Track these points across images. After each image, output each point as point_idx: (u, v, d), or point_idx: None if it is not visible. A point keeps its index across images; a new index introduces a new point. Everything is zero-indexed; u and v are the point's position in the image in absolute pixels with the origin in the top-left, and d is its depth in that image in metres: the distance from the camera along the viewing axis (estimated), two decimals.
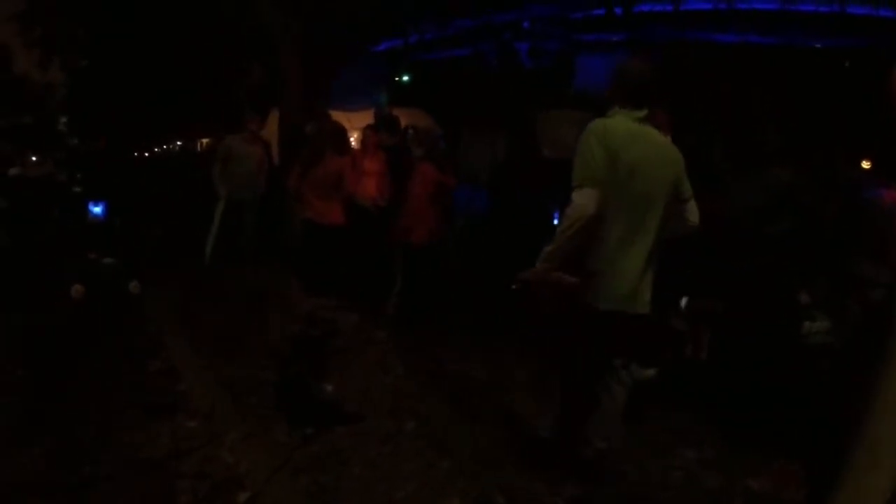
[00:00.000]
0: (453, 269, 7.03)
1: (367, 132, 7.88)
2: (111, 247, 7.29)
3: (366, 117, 16.09)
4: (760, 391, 4.43)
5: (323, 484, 3.69)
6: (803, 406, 4.54)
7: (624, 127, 3.36)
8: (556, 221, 6.70)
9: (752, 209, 4.66)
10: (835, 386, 4.53)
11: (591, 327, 3.42)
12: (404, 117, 16.65)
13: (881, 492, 3.30)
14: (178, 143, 31.75)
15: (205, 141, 26.12)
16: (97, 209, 7.49)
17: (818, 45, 11.23)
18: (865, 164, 11.76)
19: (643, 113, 3.43)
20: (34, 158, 13.54)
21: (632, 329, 3.49)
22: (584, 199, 3.25)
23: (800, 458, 4.02)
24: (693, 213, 3.58)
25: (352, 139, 15.80)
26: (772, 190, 4.64)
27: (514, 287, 3.54)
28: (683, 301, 5.20)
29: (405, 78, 15.09)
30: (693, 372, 5.13)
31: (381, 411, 4.60)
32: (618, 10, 10.96)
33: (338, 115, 16.29)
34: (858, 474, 3.30)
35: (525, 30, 12.50)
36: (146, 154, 27.34)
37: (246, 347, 5.57)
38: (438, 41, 13.68)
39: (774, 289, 4.57)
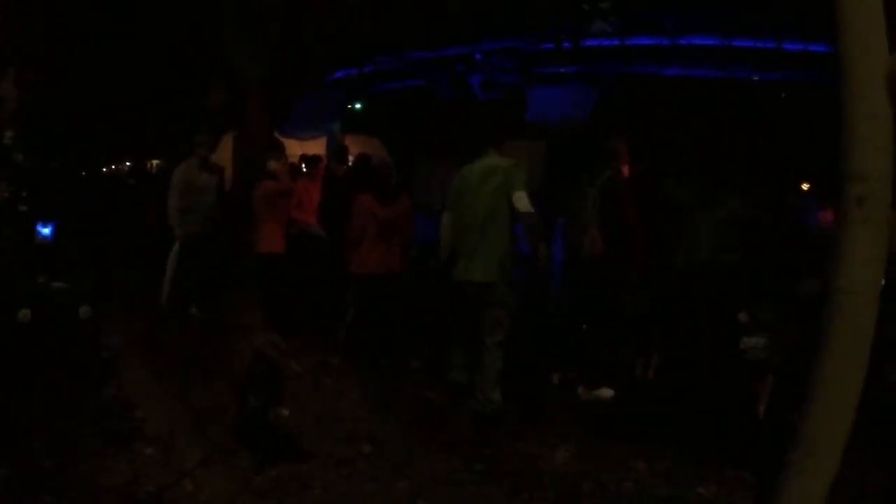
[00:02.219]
0: (407, 296, 7.05)
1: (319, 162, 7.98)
2: (61, 270, 7.03)
3: (319, 146, 16.21)
4: (705, 405, 4.61)
5: None
6: (747, 416, 4.78)
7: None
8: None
9: (708, 240, 4.89)
10: (775, 396, 4.79)
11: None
12: (357, 145, 16.77)
13: (819, 494, 3.49)
14: (128, 163, 30.64)
15: (154, 162, 25.36)
16: (46, 230, 7.27)
17: (756, 78, 11.76)
18: (805, 186, 12.32)
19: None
20: None
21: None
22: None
23: (746, 466, 4.22)
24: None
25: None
26: (727, 223, 4.89)
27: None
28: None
29: (358, 106, 15.21)
30: (645, 391, 5.35)
31: (338, 436, 4.64)
32: (566, 45, 11.32)
33: (291, 144, 16.40)
34: (798, 478, 3.48)
35: (478, 62, 12.77)
36: (96, 173, 26.50)
37: (203, 374, 5.53)
38: (393, 71, 13.86)
39: (717, 310, 4.79)
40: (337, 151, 9.20)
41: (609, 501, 4.00)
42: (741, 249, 4.82)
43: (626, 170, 5.78)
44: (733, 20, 10.21)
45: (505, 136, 5.23)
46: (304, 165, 8.28)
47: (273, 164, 6.97)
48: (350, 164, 15.21)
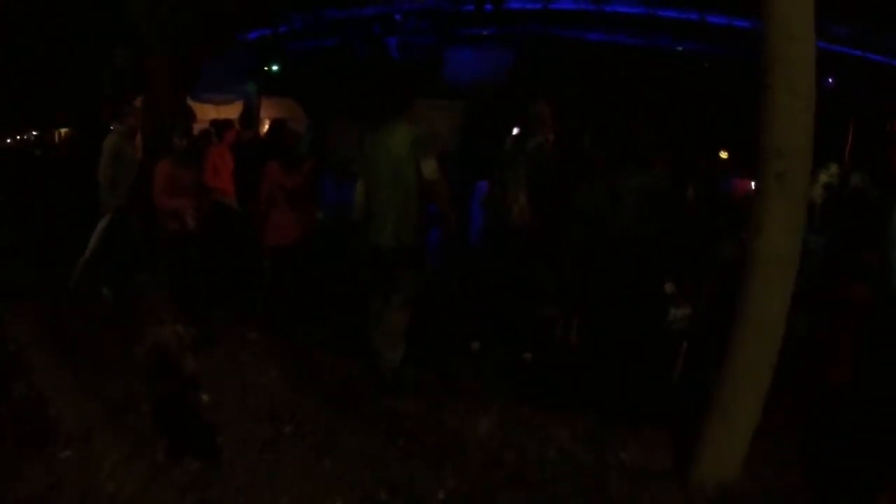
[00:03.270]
0: (321, 264, 6.89)
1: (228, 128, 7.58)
2: None
3: (235, 110, 15.69)
4: (628, 372, 4.69)
5: (209, 499, 3.62)
6: (668, 383, 4.89)
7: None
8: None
9: (629, 210, 4.91)
10: (689, 358, 4.91)
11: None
12: (273, 108, 16.42)
13: (737, 454, 3.61)
14: (34, 133, 28.97)
15: (63, 131, 23.93)
16: None
17: (680, 49, 11.96)
18: (724, 154, 12.65)
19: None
20: None
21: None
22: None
23: (666, 429, 4.32)
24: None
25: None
26: (647, 193, 4.90)
27: None
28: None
29: (274, 68, 14.75)
30: (565, 356, 5.40)
31: (259, 417, 4.52)
32: (487, 7, 11.20)
33: (206, 108, 15.82)
34: (716, 438, 3.58)
35: (396, 22, 12.52)
36: None
37: (117, 364, 5.16)
38: (309, 31, 13.46)
39: (643, 279, 4.85)
40: (245, 117, 8.88)
41: (533, 470, 4.04)
42: (662, 220, 4.84)
43: (551, 135, 5.77)
44: None
45: (412, 101, 5.14)
46: (214, 131, 7.82)
47: (177, 141, 6.61)
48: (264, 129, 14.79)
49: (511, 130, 10.84)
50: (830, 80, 10.94)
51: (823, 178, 12.22)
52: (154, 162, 6.72)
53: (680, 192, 5.48)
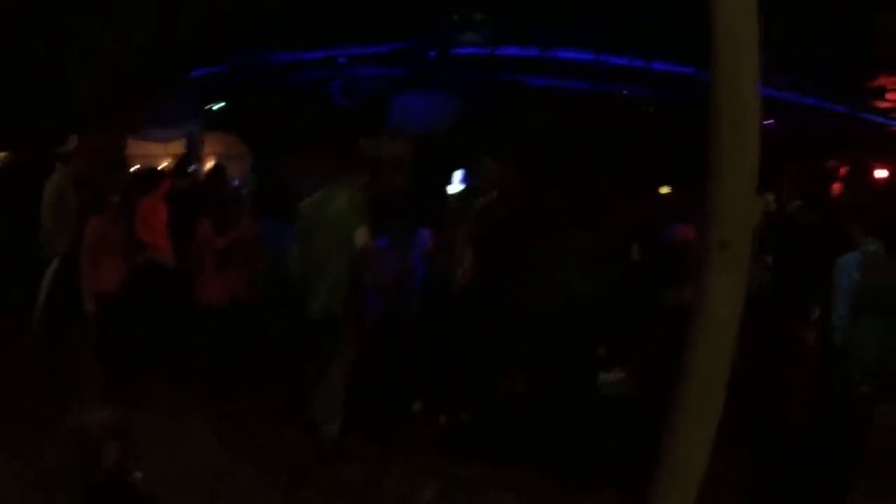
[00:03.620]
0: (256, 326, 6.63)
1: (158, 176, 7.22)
2: None
3: (182, 145, 15.44)
4: (569, 435, 4.60)
5: None
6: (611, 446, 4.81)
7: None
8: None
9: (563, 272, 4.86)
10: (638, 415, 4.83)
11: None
12: (217, 143, 16.21)
13: None
14: None
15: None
16: None
17: (625, 93, 12.18)
18: (664, 190, 12.84)
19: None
20: None
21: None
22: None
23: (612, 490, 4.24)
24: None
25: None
26: (581, 255, 4.87)
27: None
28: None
29: (218, 106, 14.60)
30: (508, 410, 5.32)
31: (198, 495, 4.33)
32: (431, 54, 11.25)
33: (153, 146, 15.52)
34: (665, 497, 3.41)
35: (340, 66, 12.51)
36: None
37: (52, 433, 4.86)
38: (254, 70, 13.37)
39: (575, 343, 4.79)
40: (180, 164, 8.64)
41: None
42: (595, 282, 4.79)
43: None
44: (605, 37, 10.55)
45: (353, 160, 5.25)
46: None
47: (110, 199, 6.36)
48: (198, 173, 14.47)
49: (453, 176, 10.91)
50: (772, 121, 11.25)
51: (760, 206, 12.50)
52: (86, 213, 6.42)
53: (624, 250, 5.47)
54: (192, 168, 10.53)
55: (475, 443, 5.16)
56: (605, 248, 4.92)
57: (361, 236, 4.79)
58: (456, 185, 10.74)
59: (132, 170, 11.96)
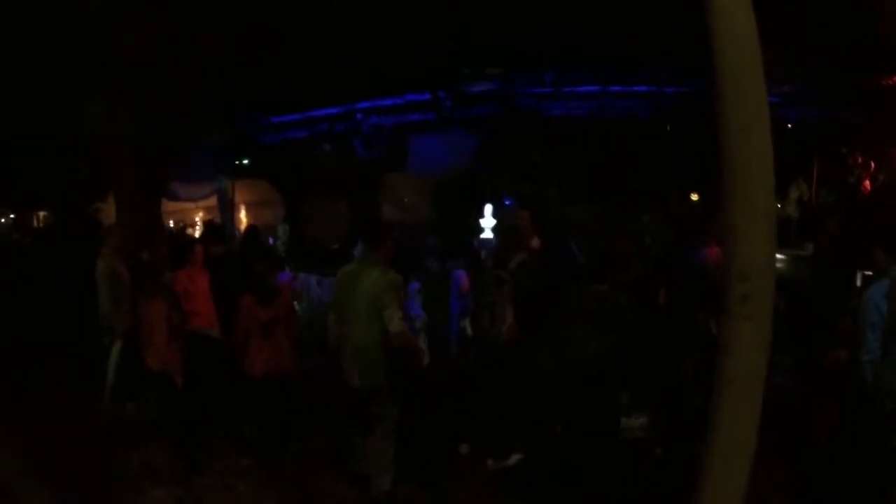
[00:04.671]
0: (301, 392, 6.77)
1: (193, 246, 7.26)
2: None
3: (212, 203, 15.81)
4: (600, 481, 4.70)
5: None
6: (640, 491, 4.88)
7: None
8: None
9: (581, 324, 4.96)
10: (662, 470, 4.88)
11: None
12: (249, 192, 16.57)
13: None
14: (12, 215, 26.49)
15: (42, 214, 22.86)
16: None
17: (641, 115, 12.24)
18: (694, 197, 12.84)
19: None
20: None
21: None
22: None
23: None
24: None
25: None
26: (599, 307, 4.96)
27: None
28: None
29: (245, 161, 14.99)
30: (552, 454, 5.44)
31: None
32: (441, 94, 11.45)
33: (187, 207, 15.93)
34: None
35: (358, 121, 12.79)
36: None
37: (112, 496, 5.15)
38: (276, 127, 13.72)
39: (597, 390, 4.88)
40: (211, 231, 8.85)
41: None
42: (613, 333, 4.87)
43: (535, 243, 5.84)
44: (613, 72, 10.70)
45: (388, 238, 5.14)
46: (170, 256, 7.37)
47: (146, 255, 6.59)
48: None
49: (482, 210, 11.04)
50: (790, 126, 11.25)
51: (794, 193, 12.48)
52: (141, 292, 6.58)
53: (645, 298, 5.55)
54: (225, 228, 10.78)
55: (520, 487, 5.29)
56: (621, 301, 4.98)
57: (393, 320, 4.77)
58: (489, 219, 10.95)
59: (167, 232, 12.32)
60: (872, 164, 11.57)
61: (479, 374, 6.15)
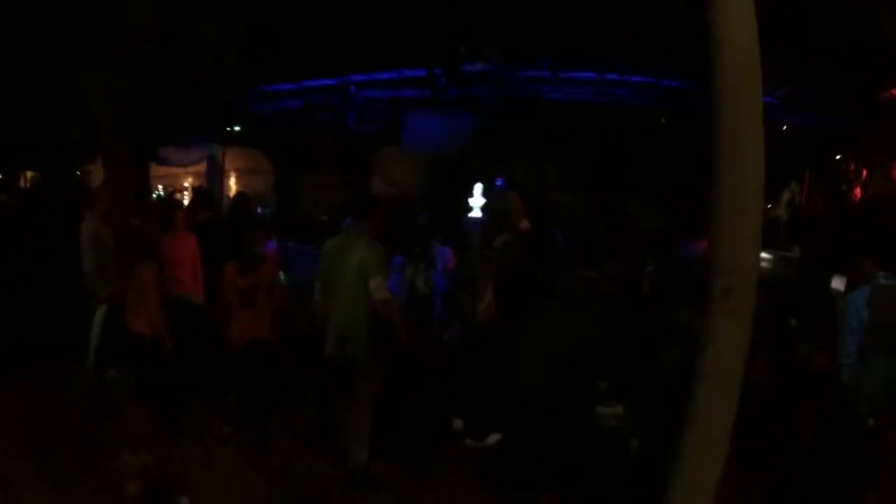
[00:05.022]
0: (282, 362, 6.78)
1: (175, 211, 7.15)
2: None
3: (202, 168, 15.67)
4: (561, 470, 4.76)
5: None
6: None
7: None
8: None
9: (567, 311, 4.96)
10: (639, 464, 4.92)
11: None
12: (240, 159, 16.44)
13: None
14: None
15: (29, 174, 22.63)
16: None
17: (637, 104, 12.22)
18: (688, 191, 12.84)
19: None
20: None
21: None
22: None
23: None
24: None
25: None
26: (586, 296, 4.96)
27: None
28: None
29: (237, 128, 14.88)
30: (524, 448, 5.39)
31: None
32: (437, 70, 11.38)
33: (177, 172, 15.78)
34: None
35: (351, 94, 12.71)
36: None
37: (98, 466, 5.05)
38: (268, 97, 13.61)
39: (575, 374, 4.90)
40: (201, 197, 8.79)
41: None
42: (596, 320, 4.88)
43: (524, 224, 5.85)
44: (612, 60, 10.67)
45: (375, 211, 5.22)
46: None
47: (136, 221, 6.52)
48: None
49: (472, 190, 11.02)
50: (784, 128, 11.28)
51: (787, 195, 12.55)
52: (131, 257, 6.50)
53: (629, 289, 5.57)
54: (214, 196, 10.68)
55: (499, 469, 5.30)
56: (608, 290, 5.00)
57: (377, 287, 4.86)
58: (478, 198, 10.93)
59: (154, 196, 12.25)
60: (864, 173, 11.62)
61: (460, 352, 6.16)
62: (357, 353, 5.00)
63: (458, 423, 5.99)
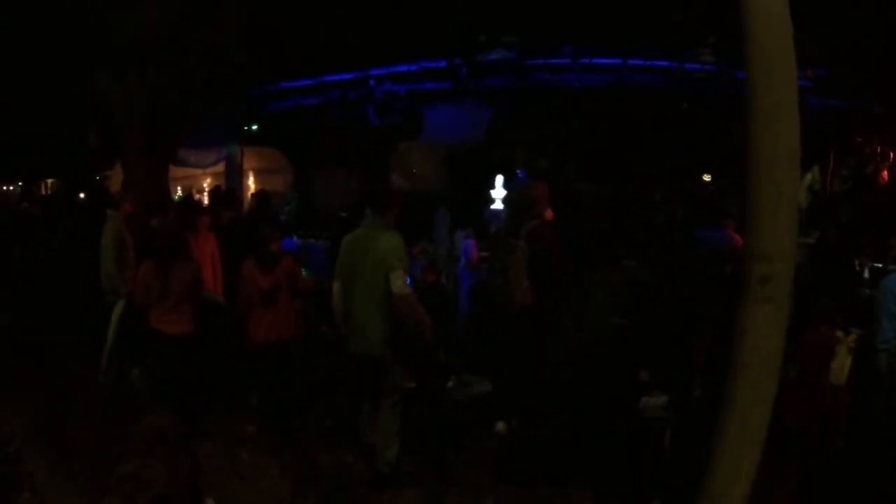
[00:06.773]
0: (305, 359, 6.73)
1: (199, 214, 7.25)
2: None
3: (220, 169, 15.70)
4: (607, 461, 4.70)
5: None
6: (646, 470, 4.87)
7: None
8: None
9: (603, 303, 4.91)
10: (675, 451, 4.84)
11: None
12: (258, 159, 16.44)
13: None
14: (20, 183, 26.26)
15: (49, 182, 22.89)
16: None
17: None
18: (706, 178, 12.72)
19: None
20: None
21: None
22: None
23: None
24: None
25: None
26: (622, 286, 4.91)
27: None
28: None
29: (255, 127, 14.90)
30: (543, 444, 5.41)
31: None
32: (457, 60, 11.30)
33: (195, 173, 15.82)
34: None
35: (371, 88, 12.65)
36: None
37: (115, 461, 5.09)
38: (286, 94, 13.59)
39: (617, 368, 4.83)
40: (223, 196, 8.79)
41: None
42: (637, 312, 4.81)
43: (548, 213, 5.79)
44: (632, 45, 10.55)
45: (395, 204, 5.11)
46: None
47: (156, 222, 6.51)
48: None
49: (493, 182, 10.95)
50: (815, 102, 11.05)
51: (808, 180, 12.42)
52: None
53: (654, 286, 5.49)
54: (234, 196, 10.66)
55: (530, 460, 5.24)
56: (647, 278, 4.93)
57: (398, 282, 4.76)
58: (499, 190, 10.87)
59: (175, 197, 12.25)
60: (891, 155, 11.39)
61: (489, 340, 6.06)
62: (382, 351, 4.91)
63: (500, 426, 5.87)
